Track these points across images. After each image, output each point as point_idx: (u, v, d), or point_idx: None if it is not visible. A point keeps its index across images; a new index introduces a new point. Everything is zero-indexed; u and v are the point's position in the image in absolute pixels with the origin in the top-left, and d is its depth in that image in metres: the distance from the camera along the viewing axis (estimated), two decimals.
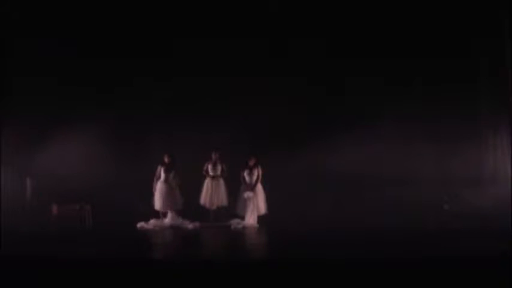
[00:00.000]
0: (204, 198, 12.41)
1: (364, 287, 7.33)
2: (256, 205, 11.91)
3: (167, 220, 12.01)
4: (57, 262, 7.99)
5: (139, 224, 11.89)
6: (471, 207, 12.20)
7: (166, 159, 12.12)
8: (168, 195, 12.02)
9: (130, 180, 12.62)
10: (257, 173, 12.04)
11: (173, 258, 9.03)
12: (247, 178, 12.04)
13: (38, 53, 13.24)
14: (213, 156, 12.35)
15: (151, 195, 12.12)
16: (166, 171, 12.07)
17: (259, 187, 12.05)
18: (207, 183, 12.40)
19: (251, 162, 12.02)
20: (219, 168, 12.41)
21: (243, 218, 11.98)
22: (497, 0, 12.64)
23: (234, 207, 12.20)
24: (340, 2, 13.25)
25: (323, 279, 7.40)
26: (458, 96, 13.53)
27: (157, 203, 12.06)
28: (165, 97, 13.70)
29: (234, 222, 11.92)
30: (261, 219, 12.02)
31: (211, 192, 12.34)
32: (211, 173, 12.41)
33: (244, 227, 11.75)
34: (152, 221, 12.00)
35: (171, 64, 13.61)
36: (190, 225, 11.83)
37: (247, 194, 11.89)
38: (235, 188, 12.28)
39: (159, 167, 12.13)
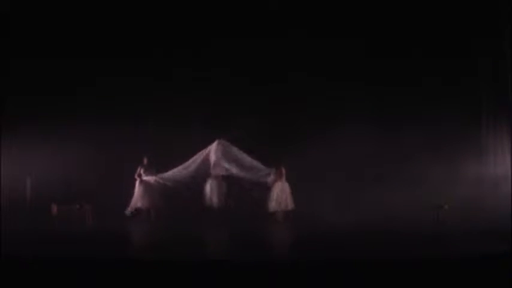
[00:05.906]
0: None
1: (365, 287, 7.35)
2: (284, 200, 12.41)
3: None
4: (57, 262, 7.99)
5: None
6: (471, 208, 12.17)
7: (145, 161, 12.77)
8: (146, 193, 12.62)
9: (130, 180, 12.71)
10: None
11: (173, 258, 9.01)
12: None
13: (39, 53, 13.27)
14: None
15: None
16: (145, 172, 12.70)
17: (286, 184, 12.50)
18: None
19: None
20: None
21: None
22: (497, 0, 12.68)
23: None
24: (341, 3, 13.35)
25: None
26: (458, 96, 13.53)
27: (136, 201, 12.69)
28: (166, 98, 13.70)
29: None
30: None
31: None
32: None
33: None
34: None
35: (170, 64, 13.66)
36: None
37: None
38: None
39: (138, 168, 12.72)
